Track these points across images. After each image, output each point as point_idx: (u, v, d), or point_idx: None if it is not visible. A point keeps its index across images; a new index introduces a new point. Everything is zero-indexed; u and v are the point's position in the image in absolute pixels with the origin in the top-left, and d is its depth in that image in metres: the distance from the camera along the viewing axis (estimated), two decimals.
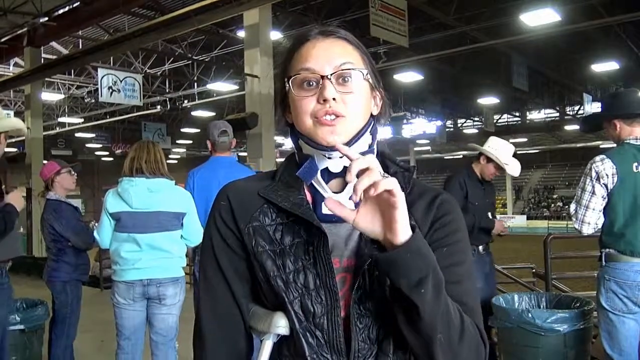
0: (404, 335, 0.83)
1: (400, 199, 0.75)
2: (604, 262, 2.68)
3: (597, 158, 2.69)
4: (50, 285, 3.58)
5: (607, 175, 2.62)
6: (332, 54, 0.91)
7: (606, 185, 2.63)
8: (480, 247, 3.56)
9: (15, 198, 2.83)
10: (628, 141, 2.66)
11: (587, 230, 2.71)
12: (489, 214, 3.65)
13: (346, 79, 0.91)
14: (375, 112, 0.97)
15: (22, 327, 3.45)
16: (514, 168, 3.57)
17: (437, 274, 0.78)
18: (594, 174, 2.66)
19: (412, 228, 0.78)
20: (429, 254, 0.78)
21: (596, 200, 2.66)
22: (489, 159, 3.54)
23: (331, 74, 0.89)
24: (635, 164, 2.59)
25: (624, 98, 2.76)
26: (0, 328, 2.79)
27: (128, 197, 2.91)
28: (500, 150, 3.53)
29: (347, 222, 0.80)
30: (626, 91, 3.04)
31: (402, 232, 0.76)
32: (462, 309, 0.86)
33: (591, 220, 2.68)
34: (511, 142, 3.74)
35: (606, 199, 2.65)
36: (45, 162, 3.85)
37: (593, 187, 2.66)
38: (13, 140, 13.93)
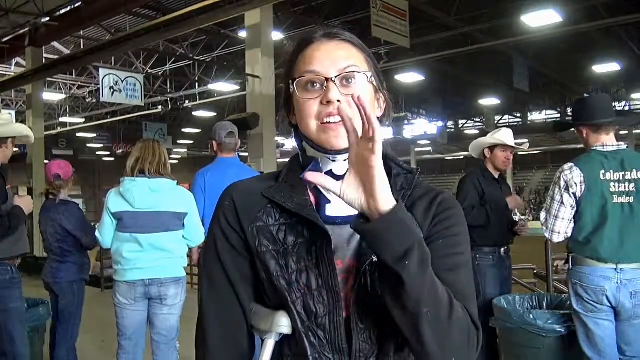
0: (396, 322, 0.82)
1: (377, 157, 0.75)
2: (570, 266, 2.72)
3: (566, 166, 2.71)
4: (56, 286, 3.56)
5: (575, 184, 2.64)
6: (336, 57, 0.92)
7: (575, 194, 2.66)
8: (502, 250, 3.45)
9: (25, 202, 2.89)
10: (595, 148, 2.69)
11: (558, 239, 2.76)
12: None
13: (350, 81, 0.91)
14: (379, 114, 0.98)
15: None
16: (519, 142, 3.55)
17: (422, 248, 0.78)
18: (562, 184, 2.69)
19: (396, 201, 0.78)
20: (414, 227, 0.78)
21: (565, 210, 2.69)
22: (492, 149, 3.50)
23: (335, 77, 0.90)
24: (602, 171, 2.62)
25: (590, 105, 2.78)
26: (19, 321, 2.89)
27: (130, 197, 2.91)
28: (497, 134, 3.51)
29: (334, 193, 0.79)
30: (593, 98, 3.07)
31: (383, 197, 0.76)
32: (455, 297, 0.85)
33: (561, 229, 2.72)
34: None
35: (575, 208, 2.68)
36: (52, 161, 3.77)
37: (562, 196, 2.69)
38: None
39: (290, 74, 0.95)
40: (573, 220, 2.71)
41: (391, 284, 0.79)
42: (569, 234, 2.73)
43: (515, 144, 3.55)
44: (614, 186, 2.60)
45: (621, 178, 2.60)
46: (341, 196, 0.79)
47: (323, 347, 0.89)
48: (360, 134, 0.77)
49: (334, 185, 0.79)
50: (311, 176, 0.79)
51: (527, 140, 3.63)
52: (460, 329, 0.83)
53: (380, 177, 0.76)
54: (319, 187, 0.93)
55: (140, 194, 2.91)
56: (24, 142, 3.20)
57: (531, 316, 3.00)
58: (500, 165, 3.53)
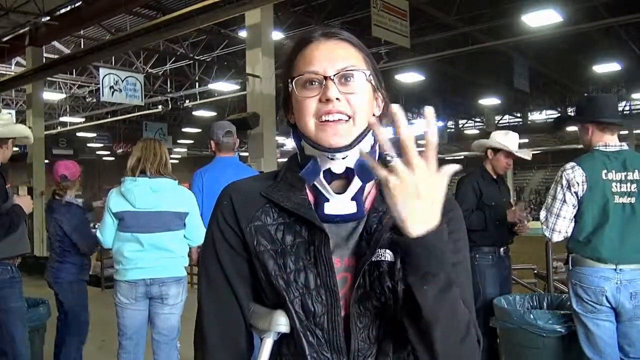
0: (405, 333, 0.84)
1: (397, 189, 0.74)
2: (570, 267, 2.71)
3: (568, 165, 2.70)
4: (57, 286, 3.58)
5: (577, 183, 2.63)
6: (335, 56, 0.92)
7: (576, 194, 2.65)
8: (502, 250, 3.45)
9: (25, 201, 2.90)
10: (597, 148, 2.67)
11: (557, 238, 2.75)
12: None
13: (349, 79, 0.91)
14: (377, 114, 0.97)
15: None
16: (523, 152, 3.53)
17: (448, 274, 0.78)
18: (564, 182, 2.67)
19: (439, 225, 0.76)
20: (443, 255, 0.77)
21: (567, 209, 2.68)
22: (495, 152, 3.49)
23: (334, 75, 0.90)
24: (604, 171, 2.61)
25: (599, 103, 2.75)
26: (19, 320, 2.89)
27: (131, 197, 2.91)
28: (504, 139, 3.48)
29: (383, 181, 0.76)
30: (602, 96, 3.04)
31: (410, 225, 0.75)
32: None
33: (561, 228, 2.71)
34: None
35: (577, 207, 2.66)
36: (59, 162, 3.73)
37: (564, 195, 2.67)
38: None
39: (289, 74, 0.96)
40: (573, 219, 2.70)
41: (409, 299, 0.80)
42: (569, 234, 2.72)
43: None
44: (616, 186, 2.59)
45: (623, 178, 2.59)
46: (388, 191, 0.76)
47: (321, 346, 0.89)
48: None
49: (382, 174, 0.76)
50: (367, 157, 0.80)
51: (530, 152, 3.57)
52: (470, 351, 0.85)
53: (403, 207, 0.74)
54: (316, 186, 0.93)
55: (141, 194, 2.91)
56: (24, 142, 3.20)
57: (531, 316, 3.00)
58: (500, 169, 3.54)
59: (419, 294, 0.77)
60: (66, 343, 3.59)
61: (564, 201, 2.68)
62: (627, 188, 2.59)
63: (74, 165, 3.70)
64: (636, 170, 2.59)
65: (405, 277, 0.78)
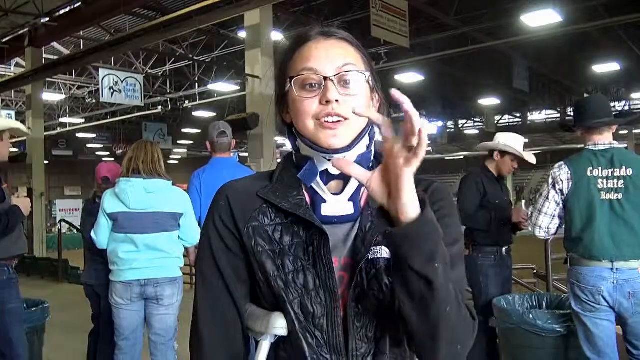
0: (405, 326, 0.83)
1: (411, 170, 0.74)
2: (569, 266, 2.73)
3: (556, 165, 2.77)
4: (101, 288, 3.37)
5: (562, 180, 2.69)
6: (334, 55, 0.91)
7: (562, 191, 2.69)
8: (504, 249, 3.44)
9: (24, 203, 2.89)
10: (587, 147, 2.72)
11: (539, 233, 2.80)
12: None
13: (348, 81, 0.90)
14: None
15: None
16: (530, 156, 3.57)
17: (443, 246, 0.78)
18: (550, 180, 2.74)
19: (423, 203, 0.76)
20: (439, 228, 0.77)
21: (549, 206, 2.74)
22: (503, 154, 3.49)
23: (334, 76, 0.89)
24: (590, 168, 2.64)
25: (583, 107, 2.80)
26: (17, 322, 2.89)
27: (125, 198, 2.91)
28: (512, 142, 3.49)
29: (360, 182, 0.79)
30: (587, 100, 3.09)
31: (410, 206, 0.75)
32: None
33: (543, 224, 2.76)
34: None
35: (560, 205, 2.72)
36: (102, 164, 3.65)
37: (548, 192, 2.74)
38: (14, 140, 13.91)
39: (287, 72, 0.95)
40: (558, 217, 2.74)
41: (417, 288, 0.77)
42: (551, 231, 2.77)
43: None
44: (602, 182, 2.61)
45: (610, 175, 2.60)
46: (366, 186, 0.78)
47: (321, 348, 0.89)
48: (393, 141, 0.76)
49: (362, 175, 0.78)
50: (340, 164, 0.79)
51: (533, 155, 3.59)
52: (466, 320, 0.85)
53: (409, 187, 0.75)
54: (313, 187, 0.92)
55: (135, 195, 2.91)
56: (18, 134, 3.13)
57: (531, 316, 3.01)
58: (505, 171, 3.56)
59: (434, 273, 0.75)
60: (110, 344, 3.49)
61: (547, 198, 2.74)
62: (613, 184, 2.60)
63: (116, 167, 3.62)
64: (623, 167, 2.60)
65: (410, 267, 0.75)
